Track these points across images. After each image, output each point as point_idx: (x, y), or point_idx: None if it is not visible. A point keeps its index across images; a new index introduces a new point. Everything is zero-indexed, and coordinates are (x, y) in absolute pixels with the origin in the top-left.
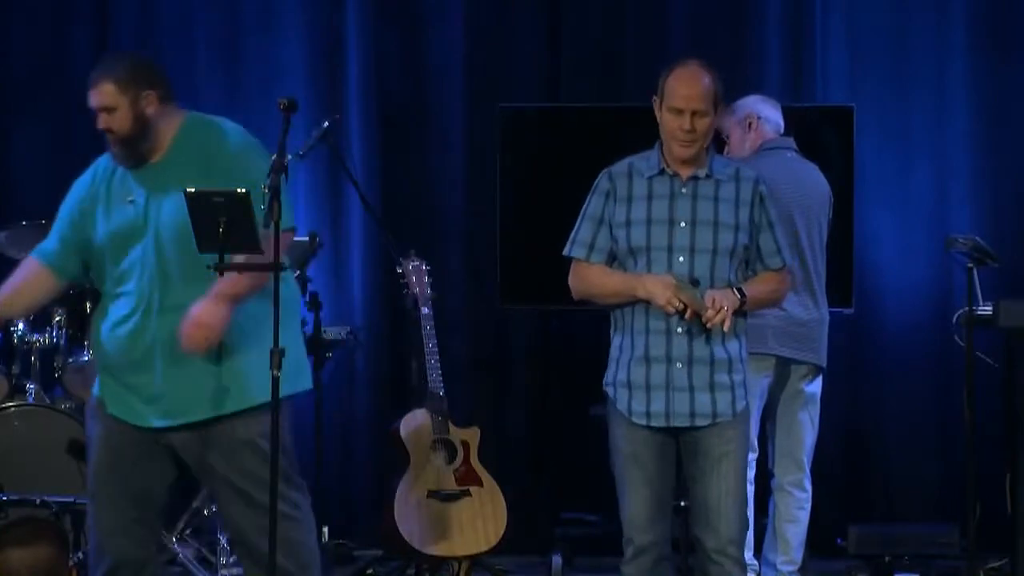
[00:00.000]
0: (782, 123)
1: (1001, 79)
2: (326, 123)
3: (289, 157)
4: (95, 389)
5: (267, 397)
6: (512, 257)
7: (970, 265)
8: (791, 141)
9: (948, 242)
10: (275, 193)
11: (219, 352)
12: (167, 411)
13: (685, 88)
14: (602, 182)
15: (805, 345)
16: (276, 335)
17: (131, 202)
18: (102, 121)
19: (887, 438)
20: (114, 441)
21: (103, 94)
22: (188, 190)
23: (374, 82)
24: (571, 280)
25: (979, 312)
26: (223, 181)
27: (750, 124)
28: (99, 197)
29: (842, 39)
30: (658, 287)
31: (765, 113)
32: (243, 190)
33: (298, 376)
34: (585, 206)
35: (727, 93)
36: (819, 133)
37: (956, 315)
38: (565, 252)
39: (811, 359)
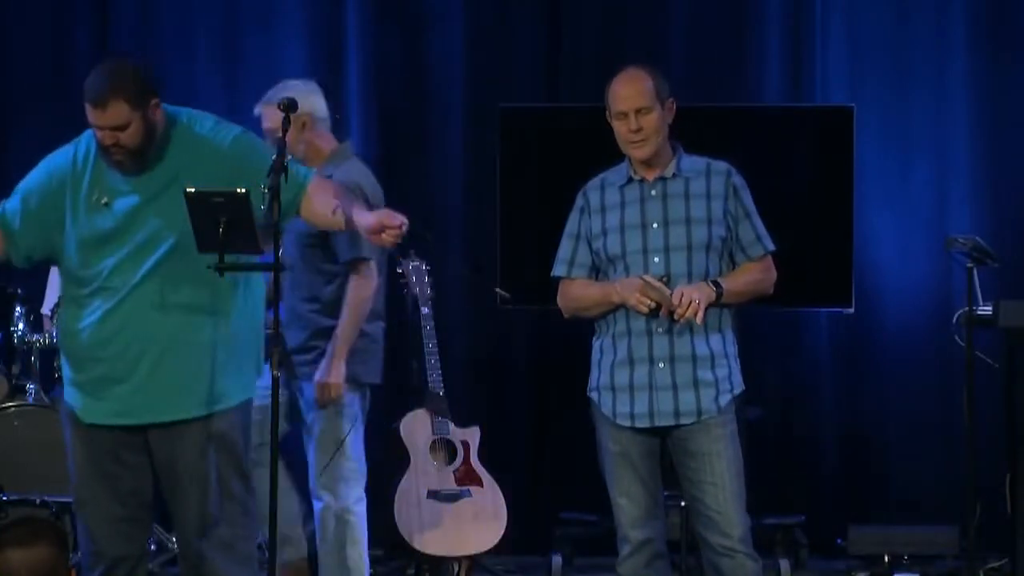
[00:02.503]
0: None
1: (1001, 79)
2: None
3: (289, 157)
4: (66, 398)
5: (243, 397)
6: (512, 257)
7: (970, 265)
8: (350, 145)
9: (948, 242)
10: (275, 193)
11: (205, 355)
12: (148, 411)
13: (624, 89)
14: (577, 200)
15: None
16: (277, 334)
17: (105, 204)
18: (109, 138)
19: (887, 438)
20: (92, 446)
21: (114, 113)
22: (188, 190)
23: (374, 82)
24: (558, 299)
25: (979, 312)
26: (233, 168)
27: (304, 124)
28: (76, 186)
29: (842, 39)
30: (627, 289)
31: (323, 113)
32: (243, 190)
33: (260, 360)
34: (566, 226)
35: (728, 93)
36: (819, 133)
37: (956, 315)
38: (552, 273)
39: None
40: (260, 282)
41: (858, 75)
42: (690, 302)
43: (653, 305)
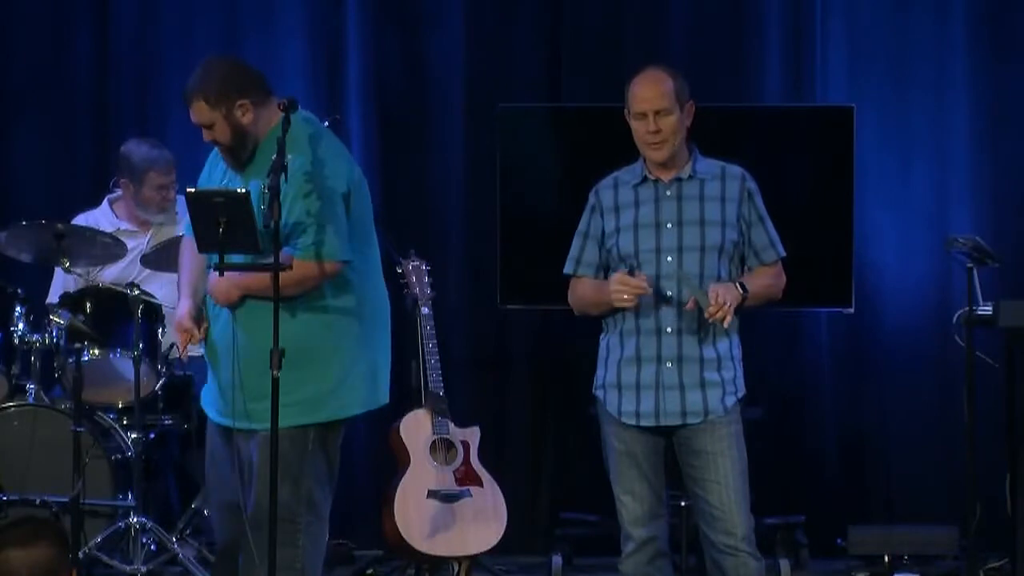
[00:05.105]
0: None
1: (1001, 79)
2: (326, 123)
3: (289, 157)
4: None
5: (306, 420)
6: (512, 257)
7: (970, 265)
8: None
9: (948, 242)
10: (275, 193)
11: (301, 365)
12: (230, 415)
13: (644, 91)
14: (590, 198)
15: None
16: (276, 335)
17: None
18: (205, 135)
19: (887, 438)
20: (209, 434)
21: (197, 112)
22: (188, 190)
23: (374, 82)
24: (568, 297)
25: (979, 312)
26: (298, 181)
27: None
28: (211, 173)
29: (842, 39)
30: (612, 284)
31: None
32: (243, 190)
33: (359, 393)
34: (579, 224)
35: (728, 93)
36: (819, 133)
37: (956, 315)
38: (563, 270)
39: None
40: (374, 298)
41: (858, 75)
42: (723, 304)
43: (635, 300)
